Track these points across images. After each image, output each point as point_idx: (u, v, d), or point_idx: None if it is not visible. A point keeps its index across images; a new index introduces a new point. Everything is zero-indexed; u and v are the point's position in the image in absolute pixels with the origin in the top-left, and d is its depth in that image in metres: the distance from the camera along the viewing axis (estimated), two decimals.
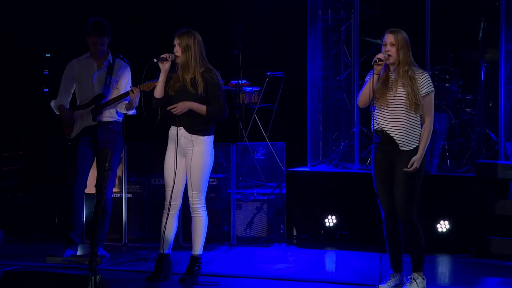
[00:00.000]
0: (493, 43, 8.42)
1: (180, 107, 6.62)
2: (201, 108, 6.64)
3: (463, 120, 8.71)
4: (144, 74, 6.73)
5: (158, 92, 6.70)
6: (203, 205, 6.76)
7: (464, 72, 8.84)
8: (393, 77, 6.25)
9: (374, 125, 6.33)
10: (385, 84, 6.26)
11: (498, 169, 7.65)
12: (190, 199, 6.75)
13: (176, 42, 6.63)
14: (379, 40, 8.93)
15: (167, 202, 6.79)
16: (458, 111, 8.72)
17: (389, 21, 9.02)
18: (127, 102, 7.41)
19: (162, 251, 6.83)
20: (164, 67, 6.65)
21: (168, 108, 6.66)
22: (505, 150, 8.14)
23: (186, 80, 6.64)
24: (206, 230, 6.79)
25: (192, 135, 6.67)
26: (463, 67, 8.90)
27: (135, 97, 7.22)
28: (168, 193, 6.78)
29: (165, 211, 6.79)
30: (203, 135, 6.69)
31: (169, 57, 6.63)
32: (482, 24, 8.50)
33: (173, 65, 6.71)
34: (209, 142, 6.74)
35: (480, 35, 8.48)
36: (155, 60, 6.64)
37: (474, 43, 8.59)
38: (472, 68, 8.84)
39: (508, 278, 7.05)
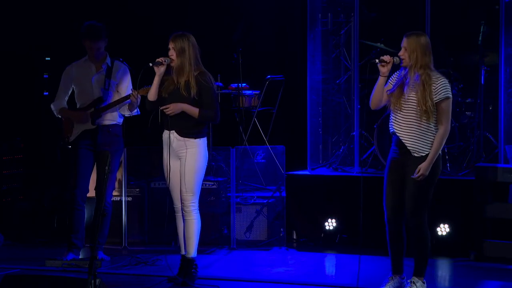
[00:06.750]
0: (493, 46, 8.41)
1: (173, 107, 6.64)
2: (194, 110, 6.66)
3: (463, 123, 8.70)
4: (139, 79, 6.74)
5: (152, 95, 6.74)
6: (196, 208, 6.79)
7: (463, 76, 8.83)
8: (407, 81, 6.23)
9: (391, 128, 6.31)
10: (401, 88, 6.23)
11: (498, 172, 7.65)
12: (183, 201, 6.76)
13: (170, 45, 6.67)
14: (379, 43, 8.96)
15: (175, 205, 6.87)
16: (458, 114, 8.71)
17: (389, 25, 9.08)
18: (128, 104, 7.42)
19: (182, 253, 6.90)
20: (159, 70, 6.68)
21: (160, 108, 6.69)
22: (505, 154, 8.14)
23: (180, 83, 6.67)
24: (199, 232, 6.82)
25: (185, 138, 6.69)
26: (462, 71, 8.89)
27: (137, 100, 7.25)
28: (174, 196, 6.85)
29: (178, 214, 6.87)
30: (195, 138, 6.71)
31: (165, 61, 6.66)
32: (482, 27, 8.50)
33: (169, 68, 6.73)
34: (202, 144, 6.75)
35: (480, 38, 8.47)
36: (150, 64, 6.67)
37: (474, 47, 8.58)
38: (471, 71, 8.83)
39: (508, 281, 7.05)
